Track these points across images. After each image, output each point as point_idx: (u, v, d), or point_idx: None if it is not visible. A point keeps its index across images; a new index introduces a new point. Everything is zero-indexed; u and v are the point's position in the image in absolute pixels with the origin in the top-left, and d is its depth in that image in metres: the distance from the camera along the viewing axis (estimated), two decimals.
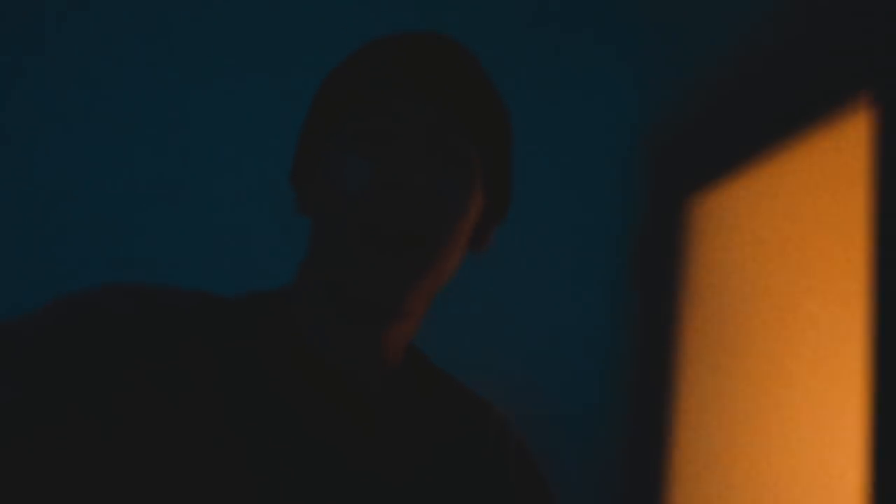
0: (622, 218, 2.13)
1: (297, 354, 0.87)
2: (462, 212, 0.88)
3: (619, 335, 2.08)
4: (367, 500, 0.84)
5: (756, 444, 1.60)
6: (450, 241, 0.87)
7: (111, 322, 0.81)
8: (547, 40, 2.16)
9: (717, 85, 1.82)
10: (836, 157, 1.46)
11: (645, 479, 1.89)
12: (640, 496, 1.90)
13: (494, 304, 2.01)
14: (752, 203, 1.73)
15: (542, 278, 2.05)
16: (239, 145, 2.00)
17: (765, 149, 1.64)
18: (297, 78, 1.98)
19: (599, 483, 1.97)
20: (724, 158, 1.78)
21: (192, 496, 0.77)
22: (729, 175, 1.80)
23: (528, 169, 1.95)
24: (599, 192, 2.12)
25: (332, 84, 0.91)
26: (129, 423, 0.78)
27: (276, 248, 1.86)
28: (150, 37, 1.99)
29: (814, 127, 1.51)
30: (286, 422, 0.83)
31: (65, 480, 0.76)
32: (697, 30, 1.95)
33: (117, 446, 0.77)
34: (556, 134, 2.14)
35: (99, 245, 1.90)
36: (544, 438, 1.87)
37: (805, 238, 1.54)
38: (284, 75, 2.03)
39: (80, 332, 0.79)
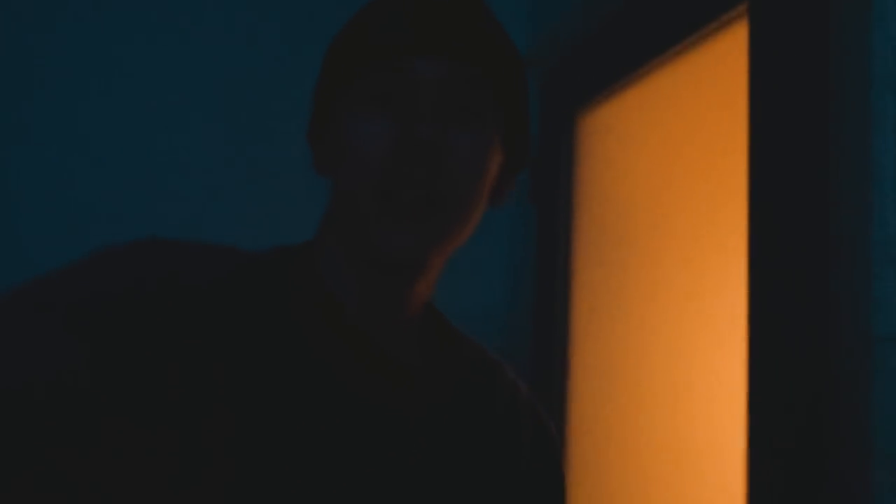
0: None
1: (326, 310, 0.87)
2: (482, 169, 0.86)
3: (519, 245, 2.11)
4: (389, 445, 0.85)
5: (641, 327, 1.67)
6: (471, 200, 0.86)
7: (162, 292, 0.80)
8: None
9: (602, 3, 1.83)
10: (715, 70, 1.50)
11: (547, 370, 1.95)
12: (544, 387, 1.96)
13: None
14: (636, 118, 1.76)
15: None
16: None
17: (647, 65, 1.66)
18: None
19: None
20: (609, 76, 1.80)
21: (234, 454, 0.78)
22: (614, 92, 1.83)
23: None
24: None
25: (343, 40, 0.89)
26: (178, 397, 0.78)
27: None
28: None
29: (693, 42, 1.54)
30: (320, 377, 0.84)
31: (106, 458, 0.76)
32: None
33: (168, 412, 0.77)
34: None
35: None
36: None
37: (685, 149, 1.58)
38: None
39: (138, 304, 0.79)
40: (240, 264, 0.87)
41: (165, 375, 0.78)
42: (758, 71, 1.28)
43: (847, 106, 1.09)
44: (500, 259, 2.12)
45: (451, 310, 0.95)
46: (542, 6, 2.14)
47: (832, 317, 1.10)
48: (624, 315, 1.74)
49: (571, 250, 1.96)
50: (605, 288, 1.82)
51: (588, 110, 1.95)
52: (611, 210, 1.83)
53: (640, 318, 1.68)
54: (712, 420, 1.43)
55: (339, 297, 0.87)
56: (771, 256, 1.22)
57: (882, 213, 1.05)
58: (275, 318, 0.85)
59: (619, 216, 1.79)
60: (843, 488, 1.05)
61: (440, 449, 0.89)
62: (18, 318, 0.78)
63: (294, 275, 0.88)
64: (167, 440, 0.76)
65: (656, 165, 1.68)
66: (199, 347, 0.80)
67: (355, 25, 0.88)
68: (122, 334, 0.77)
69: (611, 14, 1.77)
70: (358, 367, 0.86)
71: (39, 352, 0.76)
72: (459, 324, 0.99)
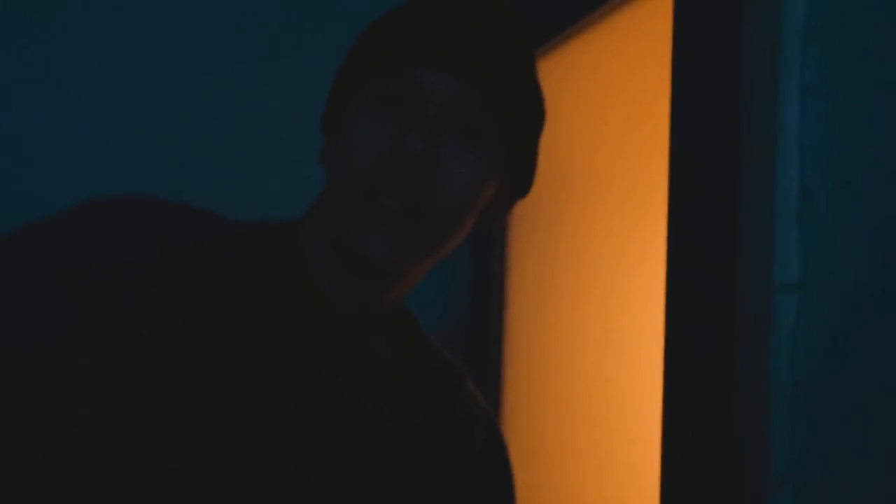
0: None
1: (305, 294, 0.87)
2: (472, 190, 0.85)
3: None
4: (348, 423, 0.86)
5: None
6: (455, 219, 0.85)
7: (152, 258, 0.80)
8: None
9: None
10: (639, 34, 1.54)
11: (484, 321, 2.01)
12: (480, 345, 2.02)
13: None
14: (559, 83, 1.81)
15: None
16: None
17: (571, 29, 1.70)
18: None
19: (446, 322, 2.08)
20: (542, 33, 1.81)
21: (200, 433, 0.79)
22: (545, 50, 1.84)
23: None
24: None
25: (365, 37, 0.89)
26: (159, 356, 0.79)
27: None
28: None
29: (619, 4, 1.58)
30: (288, 350, 0.85)
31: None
32: None
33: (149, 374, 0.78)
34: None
35: None
36: None
37: (609, 114, 1.62)
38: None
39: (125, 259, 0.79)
40: (223, 235, 0.87)
41: (147, 343, 0.79)
42: (680, 36, 1.33)
43: (758, 68, 1.16)
44: None
45: None
46: None
47: (739, 268, 1.18)
48: (556, 283, 1.79)
49: (506, 224, 2.00)
50: (539, 259, 1.86)
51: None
52: (541, 179, 1.88)
53: (570, 288, 1.74)
54: (636, 387, 1.49)
55: (317, 279, 0.87)
56: (687, 218, 1.29)
57: (784, 172, 1.14)
58: (257, 295, 0.85)
59: (551, 184, 1.84)
60: (747, 419, 1.14)
61: (397, 443, 0.90)
62: (9, 278, 0.78)
63: (279, 255, 0.88)
64: (139, 403, 0.78)
65: (584, 131, 1.72)
66: (182, 323, 0.80)
67: (380, 25, 0.89)
68: (112, 299, 0.78)
69: None
70: (331, 354, 0.87)
71: (30, 313, 0.76)
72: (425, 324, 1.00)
